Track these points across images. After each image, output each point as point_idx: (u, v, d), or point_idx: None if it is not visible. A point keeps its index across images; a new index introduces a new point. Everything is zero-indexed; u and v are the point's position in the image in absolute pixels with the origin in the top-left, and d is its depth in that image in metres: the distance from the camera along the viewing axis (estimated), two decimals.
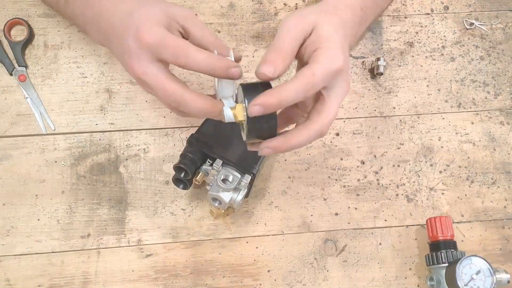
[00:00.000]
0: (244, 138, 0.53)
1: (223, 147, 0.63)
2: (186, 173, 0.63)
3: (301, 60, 0.53)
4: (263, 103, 0.48)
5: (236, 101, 0.53)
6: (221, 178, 0.62)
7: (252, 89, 0.49)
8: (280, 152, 0.52)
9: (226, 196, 0.63)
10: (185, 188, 0.66)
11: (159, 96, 0.54)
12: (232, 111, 0.51)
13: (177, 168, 0.63)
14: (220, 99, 0.53)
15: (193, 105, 0.51)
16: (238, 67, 0.51)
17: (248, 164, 0.63)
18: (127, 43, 0.53)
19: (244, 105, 0.49)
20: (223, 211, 0.67)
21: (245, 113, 0.50)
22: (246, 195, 0.66)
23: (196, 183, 0.64)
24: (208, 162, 0.64)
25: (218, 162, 0.62)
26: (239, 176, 0.63)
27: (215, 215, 0.68)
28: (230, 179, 0.62)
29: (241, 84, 0.51)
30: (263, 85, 0.50)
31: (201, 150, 0.63)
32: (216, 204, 0.64)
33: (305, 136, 0.52)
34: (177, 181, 0.65)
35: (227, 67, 0.51)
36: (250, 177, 0.62)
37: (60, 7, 0.69)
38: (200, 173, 0.64)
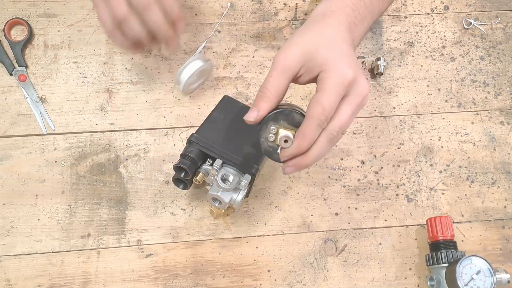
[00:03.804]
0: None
1: (223, 147, 0.63)
2: (186, 173, 0.63)
3: (313, 81, 0.55)
4: (295, 164, 0.55)
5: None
6: (221, 178, 0.62)
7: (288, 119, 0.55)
8: (302, 168, 0.56)
9: (226, 196, 0.63)
10: (185, 188, 0.66)
11: None
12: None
13: (177, 168, 0.63)
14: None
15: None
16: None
17: (248, 164, 0.63)
18: None
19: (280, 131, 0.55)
20: (223, 211, 0.67)
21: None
22: (246, 195, 0.66)
23: (196, 183, 0.64)
24: (208, 162, 0.64)
25: (218, 162, 0.62)
26: (239, 176, 0.63)
27: (215, 215, 0.68)
28: (230, 179, 0.62)
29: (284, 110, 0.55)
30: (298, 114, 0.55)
31: (201, 150, 0.63)
32: (216, 204, 0.64)
33: (319, 147, 0.54)
34: (177, 181, 0.65)
35: None
36: (250, 177, 0.62)
37: None
38: (200, 173, 0.64)
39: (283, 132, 0.55)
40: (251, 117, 0.54)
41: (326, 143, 0.53)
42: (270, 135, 0.55)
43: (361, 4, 0.62)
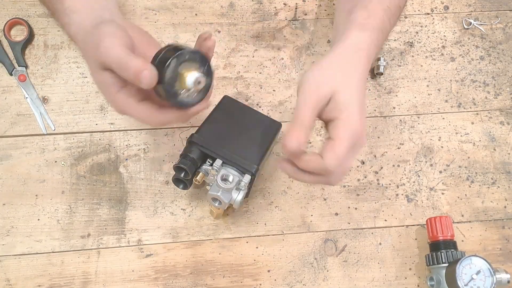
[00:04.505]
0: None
1: (223, 147, 0.63)
2: (186, 173, 0.63)
3: (322, 119, 0.56)
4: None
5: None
6: (221, 178, 0.62)
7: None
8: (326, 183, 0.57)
9: (226, 196, 0.62)
10: (185, 188, 0.66)
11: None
12: None
13: (177, 168, 0.63)
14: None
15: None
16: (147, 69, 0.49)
17: (248, 164, 0.63)
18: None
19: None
20: (223, 211, 0.67)
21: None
22: (246, 195, 0.66)
23: (196, 183, 0.64)
24: (208, 162, 0.64)
25: (218, 162, 0.62)
26: (239, 176, 0.63)
27: (215, 215, 0.68)
28: (230, 179, 0.62)
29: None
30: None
31: (201, 150, 0.63)
32: (216, 204, 0.64)
33: (311, 179, 0.56)
34: (177, 181, 0.65)
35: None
36: (250, 177, 0.62)
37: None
38: (200, 173, 0.64)
39: (194, 74, 0.51)
40: (292, 147, 0.53)
41: (318, 181, 0.56)
42: (177, 82, 0.51)
43: (380, 36, 0.62)
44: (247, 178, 0.62)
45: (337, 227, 0.71)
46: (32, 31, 0.75)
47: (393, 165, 0.74)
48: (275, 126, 0.68)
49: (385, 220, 0.71)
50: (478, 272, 0.62)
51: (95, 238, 0.68)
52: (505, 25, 0.81)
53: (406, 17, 0.81)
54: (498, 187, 0.74)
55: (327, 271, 0.69)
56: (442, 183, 0.73)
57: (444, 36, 0.80)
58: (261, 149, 0.65)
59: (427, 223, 0.68)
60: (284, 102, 0.75)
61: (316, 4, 0.80)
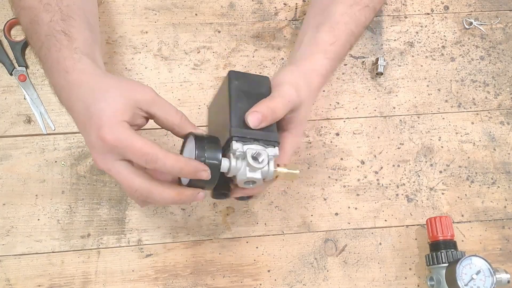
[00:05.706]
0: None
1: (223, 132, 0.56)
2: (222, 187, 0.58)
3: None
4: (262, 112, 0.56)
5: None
6: (252, 158, 0.54)
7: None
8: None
9: (258, 174, 0.55)
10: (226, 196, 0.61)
11: (125, 191, 0.55)
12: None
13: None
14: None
15: (159, 197, 0.53)
16: (206, 170, 0.52)
17: (271, 135, 0.56)
18: (89, 138, 0.51)
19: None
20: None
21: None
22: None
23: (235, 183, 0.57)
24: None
25: (236, 144, 0.54)
26: (265, 149, 0.55)
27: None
28: (261, 157, 0.54)
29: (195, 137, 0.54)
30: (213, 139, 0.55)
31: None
32: (251, 185, 0.57)
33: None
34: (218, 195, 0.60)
35: (196, 170, 0.52)
36: (277, 147, 0.56)
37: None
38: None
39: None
40: (253, 123, 0.55)
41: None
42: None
43: (338, 65, 0.70)
44: (274, 150, 0.55)
45: (337, 227, 0.71)
46: None
47: (393, 165, 0.74)
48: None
49: (385, 220, 0.71)
50: (478, 272, 0.62)
51: (95, 238, 0.68)
52: (505, 25, 0.81)
53: (406, 17, 0.81)
54: (498, 187, 0.74)
55: (327, 271, 0.69)
56: (442, 183, 0.73)
57: (444, 36, 0.80)
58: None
59: (427, 223, 0.68)
60: None
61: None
